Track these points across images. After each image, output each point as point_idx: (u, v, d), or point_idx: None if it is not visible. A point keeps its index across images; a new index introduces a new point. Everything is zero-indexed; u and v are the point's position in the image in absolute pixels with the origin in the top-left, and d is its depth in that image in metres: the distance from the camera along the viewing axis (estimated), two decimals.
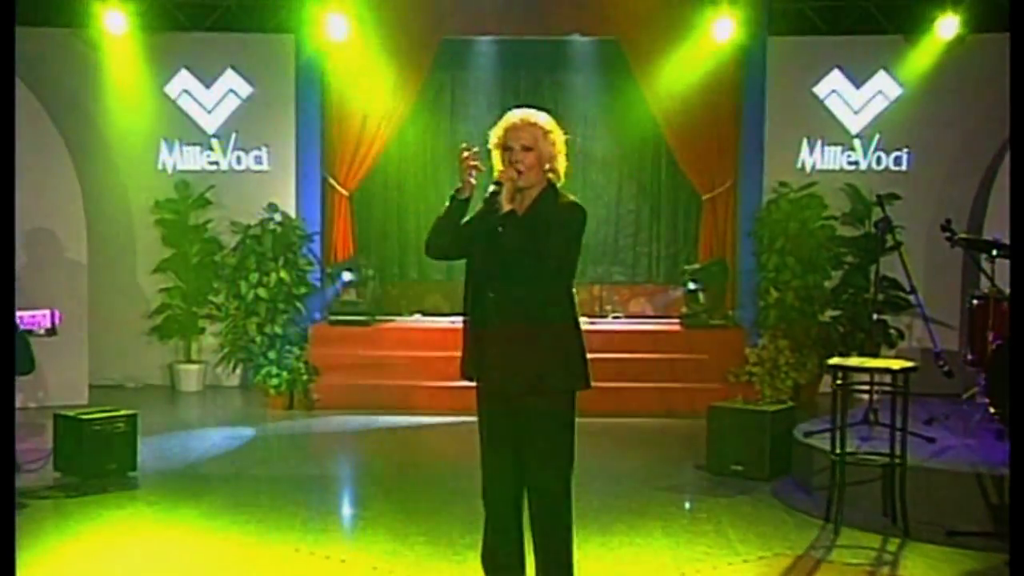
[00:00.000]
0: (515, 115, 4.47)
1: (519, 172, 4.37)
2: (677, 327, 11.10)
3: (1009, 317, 6.52)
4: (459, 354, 4.57)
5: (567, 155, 4.50)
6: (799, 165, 11.28)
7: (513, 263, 4.30)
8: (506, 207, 4.33)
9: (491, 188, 4.39)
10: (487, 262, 4.39)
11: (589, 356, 4.48)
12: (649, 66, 11.29)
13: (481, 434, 4.57)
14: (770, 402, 8.48)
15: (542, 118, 4.46)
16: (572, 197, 4.45)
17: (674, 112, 11.33)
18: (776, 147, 11.21)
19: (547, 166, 4.43)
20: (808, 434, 7.22)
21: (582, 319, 4.56)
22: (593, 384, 4.48)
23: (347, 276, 10.99)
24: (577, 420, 4.47)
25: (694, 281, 10.95)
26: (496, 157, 4.49)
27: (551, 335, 4.37)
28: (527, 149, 4.39)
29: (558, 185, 4.48)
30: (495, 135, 4.48)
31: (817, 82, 11.24)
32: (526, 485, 4.46)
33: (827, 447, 6.44)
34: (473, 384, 4.55)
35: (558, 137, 4.46)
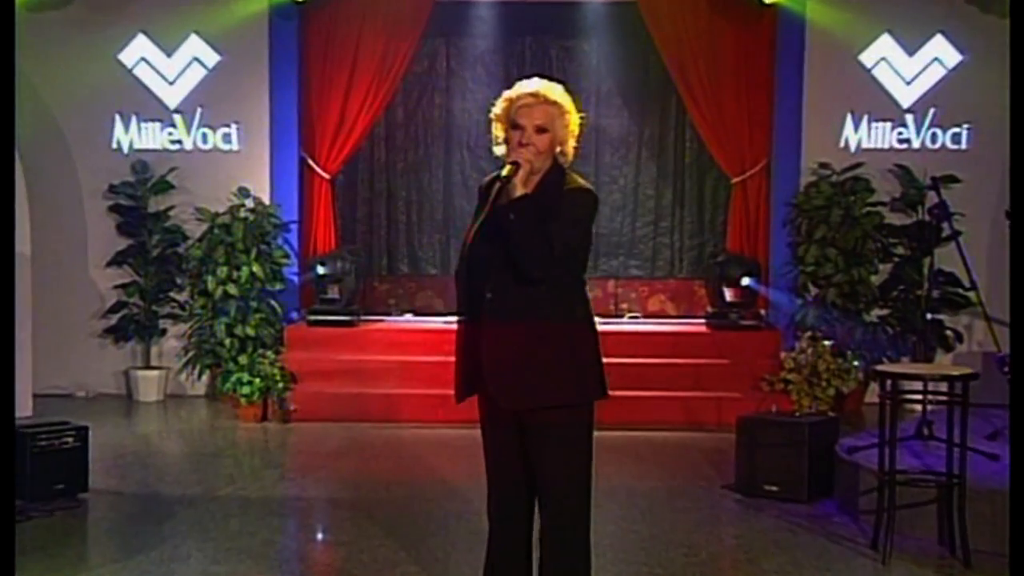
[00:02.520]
0: (528, 88, 4.40)
1: (532, 153, 4.30)
2: (702, 328, 11.10)
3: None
4: (454, 359, 4.52)
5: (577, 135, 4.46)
6: (842, 144, 11.26)
7: (515, 256, 4.24)
8: (519, 190, 4.24)
9: (505, 170, 4.28)
10: (485, 256, 4.33)
11: (603, 360, 4.44)
12: (671, 31, 11.28)
13: (486, 450, 4.53)
14: (809, 413, 8.45)
15: (558, 93, 4.39)
16: (581, 180, 4.40)
17: (699, 84, 11.32)
18: (816, 123, 11.19)
19: (558, 148, 4.38)
20: (852, 450, 7.21)
21: (595, 318, 4.51)
22: (609, 393, 4.44)
23: (321, 270, 10.97)
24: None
25: (748, 276, 10.91)
26: (497, 128, 4.44)
27: (561, 338, 4.31)
28: (542, 131, 4.33)
29: (565, 167, 4.43)
30: (502, 107, 4.42)
31: (864, 48, 11.21)
32: (539, 509, 4.41)
33: (874, 465, 6.42)
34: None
35: (574, 117, 4.41)
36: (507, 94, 4.43)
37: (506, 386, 4.30)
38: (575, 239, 4.32)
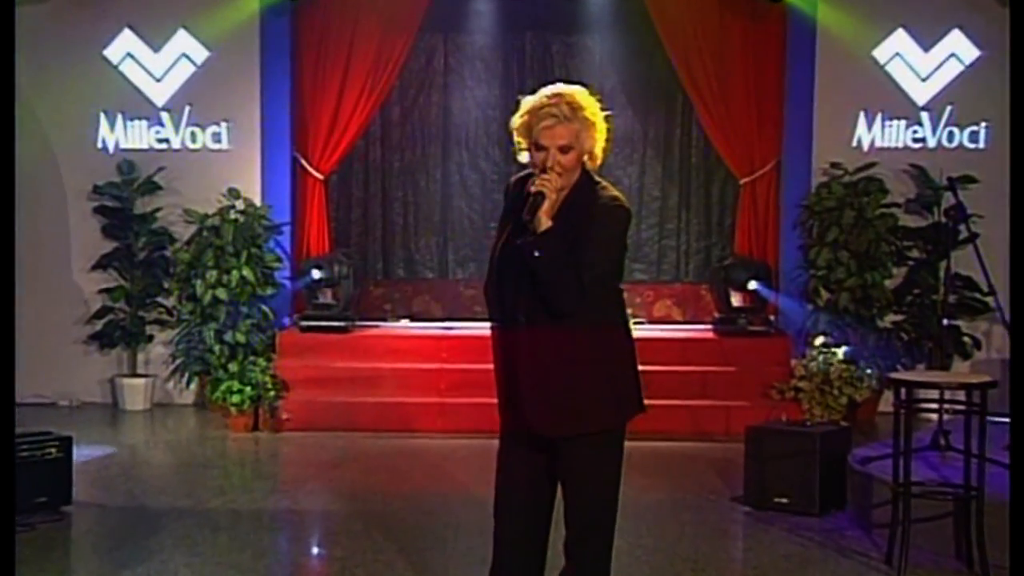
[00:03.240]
0: (549, 106, 4.24)
1: (558, 174, 4.21)
2: (710, 334, 11.11)
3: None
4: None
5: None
6: (855, 143, 11.26)
7: (544, 292, 4.16)
8: (544, 224, 4.13)
9: (530, 201, 4.15)
10: (514, 275, 4.25)
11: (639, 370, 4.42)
12: (678, 26, 11.30)
13: (505, 465, 4.46)
14: (820, 423, 8.44)
15: (582, 105, 4.26)
16: (612, 190, 4.32)
17: (707, 81, 11.35)
18: (828, 122, 11.19)
19: (585, 157, 4.32)
20: (866, 461, 7.20)
21: None
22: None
23: (316, 274, 10.97)
24: None
25: (755, 279, 10.91)
26: (519, 137, 4.31)
27: (599, 358, 4.28)
28: (567, 150, 4.24)
29: (593, 174, 4.35)
30: (521, 121, 4.28)
31: (877, 44, 11.21)
32: (566, 526, 4.37)
33: (889, 477, 6.41)
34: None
35: (600, 124, 4.30)
36: (526, 106, 4.28)
37: (543, 414, 4.26)
38: (607, 264, 4.25)
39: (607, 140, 4.37)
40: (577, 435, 4.26)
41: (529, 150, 4.29)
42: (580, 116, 4.25)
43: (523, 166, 4.39)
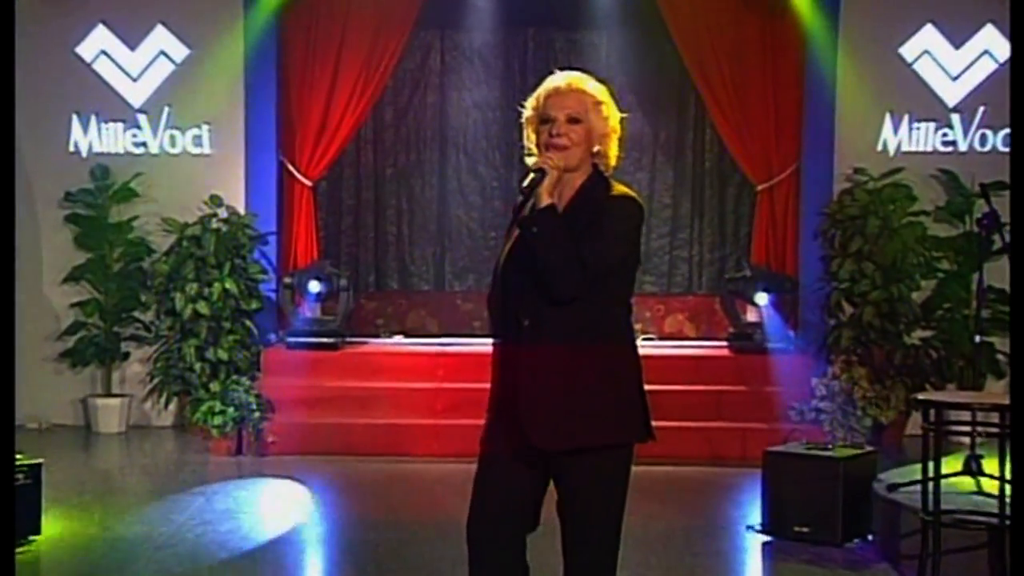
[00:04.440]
0: (559, 78, 4.34)
1: (563, 147, 4.24)
2: (725, 351, 11.11)
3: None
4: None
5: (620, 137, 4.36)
6: (880, 147, 11.28)
7: (541, 273, 4.14)
8: (545, 200, 4.16)
9: (529, 177, 4.19)
10: (518, 277, 4.25)
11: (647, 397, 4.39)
12: (690, 22, 11.32)
13: (489, 482, 4.38)
14: (843, 446, 8.42)
15: (593, 85, 4.35)
16: (625, 188, 4.32)
17: (721, 80, 11.37)
18: (851, 124, 11.21)
19: (596, 148, 4.32)
20: (893, 487, 7.19)
21: None
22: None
23: (316, 287, 10.97)
24: None
25: (767, 291, 10.91)
26: (530, 134, 4.35)
27: (604, 370, 4.24)
28: (574, 121, 4.26)
29: (607, 174, 4.35)
30: (531, 105, 4.34)
31: (904, 41, 11.23)
32: (564, 558, 4.34)
33: (917, 504, 6.39)
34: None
35: (613, 112, 4.33)
36: (538, 90, 4.35)
37: (541, 424, 4.20)
38: (617, 256, 4.23)
39: (620, 144, 4.36)
40: (579, 449, 4.21)
41: (536, 133, 4.31)
42: (591, 93, 4.30)
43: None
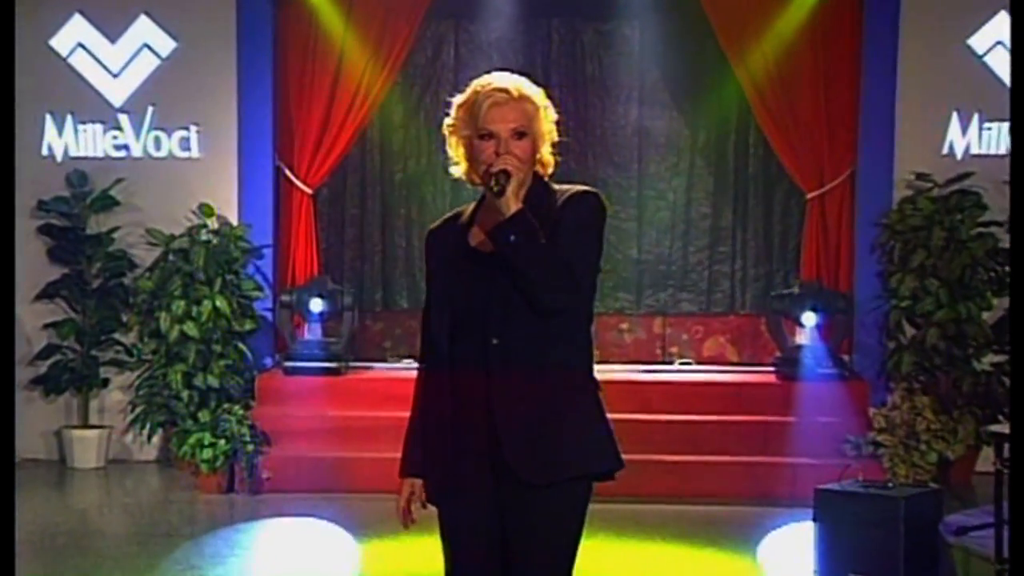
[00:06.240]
0: (494, 84, 4.29)
1: (513, 170, 4.16)
2: (771, 377, 11.08)
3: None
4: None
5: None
6: (946, 149, 11.29)
7: (527, 287, 4.12)
8: (513, 206, 4.11)
9: (493, 182, 4.13)
10: (484, 293, 4.23)
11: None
12: (732, 11, 11.34)
13: (456, 529, 4.49)
14: (905, 484, 8.40)
15: (531, 88, 4.31)
16: (570, 185, 4.30)
17: (767, 76, 11.36)
18: (913, 124, 11.22)
19: (538, 155, 4.30)
20: (961, 531, 7.20)
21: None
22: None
23: (316, 306, 10.97)
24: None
25: (818, 311, 10.88)
26: (454, 143, 4.36)
27: (583, 392, 4.27)
28: (520, 135, 4.22)
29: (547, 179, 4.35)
30: (460, 114, 4.32)
31: (974, 31, 11.22)
32: None
33: (989, 550, 6.35)
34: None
35: (549, 114, 4.32)
36: (462, 97, 4.32)
37: (526, 455, 4.19)
38: (593, 250, 4.23)
39: (553, 147, 4.34)
40: (563, 480, 4.21)
41: (468, 147, 4.29)
42: (533, 100, 4.27)
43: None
